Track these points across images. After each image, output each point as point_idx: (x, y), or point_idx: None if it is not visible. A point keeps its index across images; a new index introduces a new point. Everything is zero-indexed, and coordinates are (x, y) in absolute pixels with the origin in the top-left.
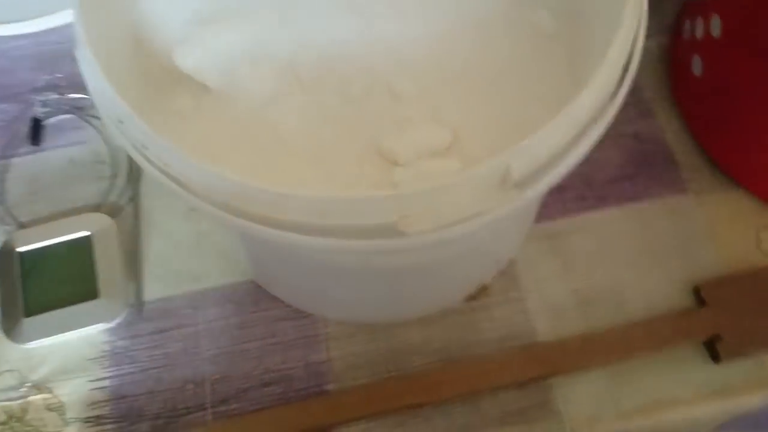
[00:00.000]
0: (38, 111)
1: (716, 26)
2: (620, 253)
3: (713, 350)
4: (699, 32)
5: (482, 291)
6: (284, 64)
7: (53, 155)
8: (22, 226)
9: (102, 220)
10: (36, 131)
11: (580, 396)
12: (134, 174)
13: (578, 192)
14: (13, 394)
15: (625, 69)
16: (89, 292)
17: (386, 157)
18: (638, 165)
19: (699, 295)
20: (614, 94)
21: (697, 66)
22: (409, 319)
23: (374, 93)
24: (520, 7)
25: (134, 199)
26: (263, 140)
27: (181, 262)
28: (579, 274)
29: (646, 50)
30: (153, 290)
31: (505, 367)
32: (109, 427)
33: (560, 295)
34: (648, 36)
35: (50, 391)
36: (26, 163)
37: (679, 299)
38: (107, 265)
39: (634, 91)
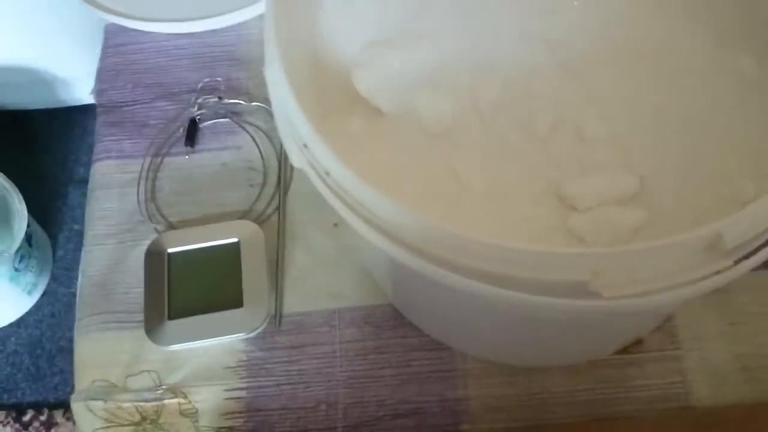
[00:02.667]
0: (195, 112)
1: None
2: None
3: None
4: None
5: (636, 345)
6: (464, 93)
7: (206, 158)
8: (171, 226)
9: (250, 228)
10: (192, 132)
11: None
12: (283, 184)
13: None
14: (148, 395)
15: None
16: (234, 300)
17: (565, 200)
18: None
19: None
20: None
21: None
22: (553, 366)
23: (559, 132)
24: (723, 52)
25: (281, 209)
26: (436, 171)
27: (322, 277)
28: (744, 336)
29: None
30: (292, 303)
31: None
32: None
33: (722, 358)
34: None
35: (185, 396)
36: (180, 163)
37: None
38: (253, 274)
39: None
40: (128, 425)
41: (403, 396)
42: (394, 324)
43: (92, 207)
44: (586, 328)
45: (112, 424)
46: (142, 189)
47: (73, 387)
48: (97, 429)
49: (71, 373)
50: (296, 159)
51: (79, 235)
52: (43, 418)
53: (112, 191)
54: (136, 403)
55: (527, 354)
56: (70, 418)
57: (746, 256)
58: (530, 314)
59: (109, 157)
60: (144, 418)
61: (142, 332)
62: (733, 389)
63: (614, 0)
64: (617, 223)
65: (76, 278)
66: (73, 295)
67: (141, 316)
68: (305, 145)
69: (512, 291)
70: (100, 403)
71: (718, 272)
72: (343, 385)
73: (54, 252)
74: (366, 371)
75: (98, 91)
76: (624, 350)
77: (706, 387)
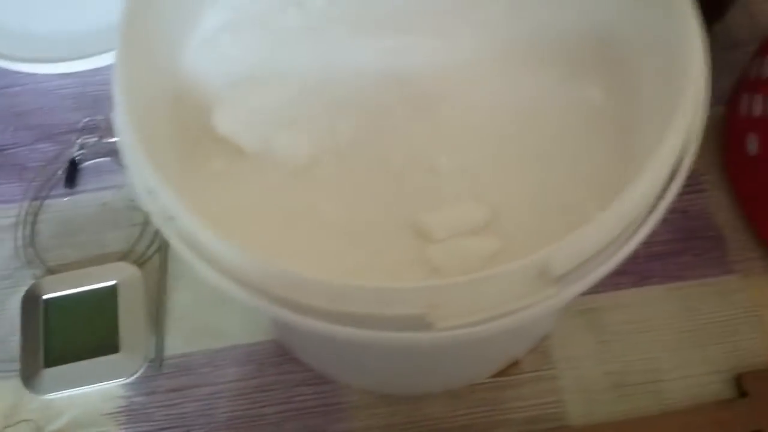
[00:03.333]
0: (76, 153)
1: None
2: (660, 334)
3: None
4: (757, 110)
5: (513, 367)
6: (322, 131)
7: (87, 198)
8: (50, 270)
9: (128, 270)
10: (72, 173)
11: None
12: None
13: (619, 267)
14: None
15: (680, 160)
16: (110, 346)
17: (421, 233)
18: (685, 242)
19: (741, 385)
20: (666, 186)
21: (752, 144)
22: (434, 392)
23: (413, 166)
24: (570, 82)
25: (162, 249)
26: (296, 209)
27: (205, 317)
28: (615, 354)
29: None
30: (174, 345)
31: None
32: None
33: (594, 376)
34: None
35: None
36: (60, 205)
37: (720, 388)
38: (130, 317)
39: None
40: None
41: None
42: (277, 360)
43: None
44: (458, 356)
45: None
46: (20, 234)
47: None
48: None
49: None
50: (145, 204)
51: None
52: None
53: None
54: None
55: (407, 383)
56: None
57: (573, 282)
58: (388, 348)
59: None
60: None
61: (20, 381)
62: (605, 407)
63: (463, 36)
64: (471, 252)
65: None
66: None
67: (18, 365)
68: (150, 191)
69: (355, 328)
70: None
71: (546, 299)
72: (225, 427)
73: None
74: (248, 410)
75: None
76: (502, 373)
77: (580, 405)
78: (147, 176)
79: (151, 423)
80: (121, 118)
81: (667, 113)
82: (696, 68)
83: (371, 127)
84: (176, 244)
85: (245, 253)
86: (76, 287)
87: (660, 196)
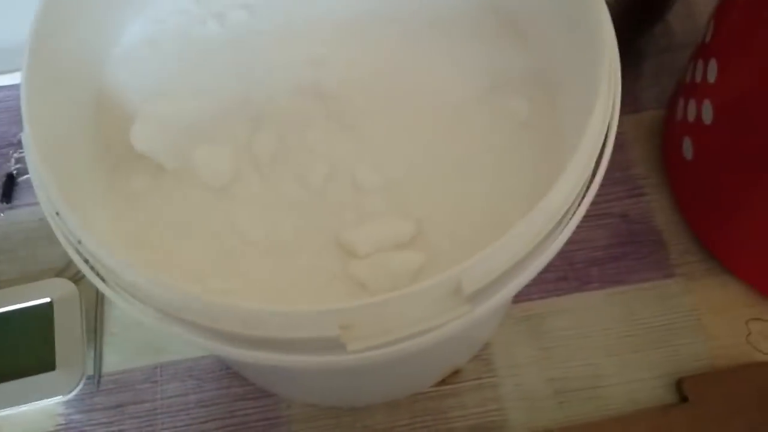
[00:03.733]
0: (13, 167)
1: (708, 112)
2: (601, 340)
3: None
4: (691, 115)
5: (454, 375)
6: (243, 146)
7: (24, 214)
8: None
9: (65, 286)
10: (9, 188)
11: None
12: None
13: (560, 272)
14: None
15: (593, 174)
16: (47, 363)
17: (345, 249)
18: (624, 246)
19: (681, 389)
20: (580, 199)
21: (688, 149)
22: (377, 403)
23: (335, 182)
24: (495, 94)
25: None
26: (217, 227)
27: (143, 333)
28: (556, 360)
29: (639, 122)
30: (113, 362)
31: None
32: None
33: (536, 383)
34: (643, 108)
35: None
36: None
37: (662, 393)
38: (67, 334)
39: (625, 167)
40: None
41: None
42: (218, 375)
43: None
44: (391, 371)
45: None
46: None
47: None
48: None
49: None
50: (54, 227)
51: None
52: None
53: None
54: None
55: (346, 397)
56: None
57: (487, 298)
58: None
59: None
60: None
61: None
62: (547, 414)
63: (384, 50)
64: (396, 267)
65: None
66: None
67: None
68: (57, 213)
69: (271, 352)
70: None
71: (460, 317)
72: None
73: None
74: (188, 426)
75: None
76: (443, 381)
77: (521, 413)
78: (53, 198)
79: None
80: (26, 138)
81: (584, 117)
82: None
83: (293, 142)
84: (83, 269)
85: (151, 278)
86: (10, 305)
87: (574, 209)
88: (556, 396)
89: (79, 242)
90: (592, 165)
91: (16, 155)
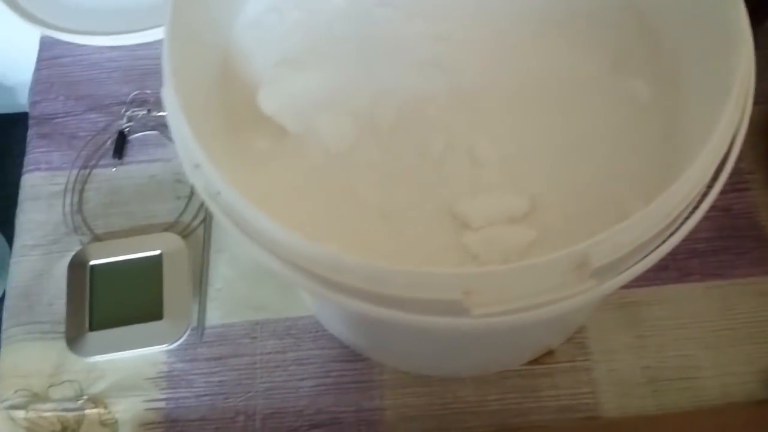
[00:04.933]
0: (125, 125)
1: None
2: (698, 332)
3: None
4: None
5: (547, 356)
6: (364, 115)
7: (134, 170)
8: (96, 238)
9: (174, 240)
10: (120, 145)
11: None
12: None
13: (661, 261)
14: (70, 405)
15: (725, 159)
16: (154, 313)
17: (459, 220)
18: (726, 240)
19: None
20: (710, 185)
21: None
22: (467, 376)
23: (453, 154)
24: (616, 77)
25: (206, 222)
26: (335, 191)
27: (245, 290)
28: (652, 349)
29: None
30: (215, 316)
31: None
32: None
33: (630, 370)
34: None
35: (106, 407)
36: (107, 175)
37: (755, 387)
38: (174, 286)
39: None
40: None
41: (321, 406)
42: (315, 336)
43: (20, 219)
44: (492, 342)
45: None
46: (68, 201)
47: None
48: None
49: None
50: (191, 179)
51: None
52: None
53: (39, 203)
54: (57, 413)
55: (440, 365)
56: None
57: (612, 276)
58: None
59: (38, 169)
60: (65, 428)
61: (65, 343)
62: (639, 401)
63: (507, 26)
64: (508, 242)
65: None
66: None
67: (64, 328)
68: (197, 166)
69: (391, 309)
70: (21, 413)
71: (584, 291)
72: (262, 396)
73: None
74: (285, 382)
75: (31, 104)
76: (535, 361)
77: (614, 398)
78: (193, 152)
79: (191, 389)
80: (169, 93)
81: (715, 106)
82: (744, 59)
83: (413, 113)
84: (220, 218)
85: (287, 232)
86: (123, 255)
87: (705, 193)
88: (649, 384)
89: (218, 194)
90: (725, 149)
91: (128, 113)
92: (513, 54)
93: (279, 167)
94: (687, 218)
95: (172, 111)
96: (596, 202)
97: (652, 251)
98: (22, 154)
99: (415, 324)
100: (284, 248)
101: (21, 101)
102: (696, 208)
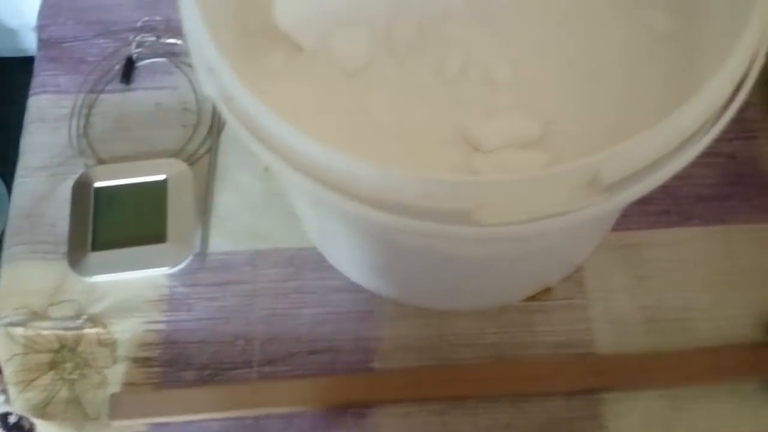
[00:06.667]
0: (133, 51)
1: None
2: (697, 275)
3: None
4: None
5: (544, 293)
6: (380, 33)
7: (142, 96)
8: (101, 162)
9: (179, 167)
10: (128, 70)
11: (631, 415)
12: (216, 126)
13: (663, 205)
14: (69, 324)
15: (740, 84)
16: (157, 236)
17: (470, 142)
18: (731, 186)
19: None
20: (723, 109)
21: None
22: (465, 310)
23: (469, 75)
24: (635, 5)
25: (212, 150)
26: (349, 107)
27: (249, 219)
28: (650, 289)
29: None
30: (218, 243)
31: (558, 373)
32: (156, 370)
33: (627, 309)
34: None
35: (105, 327)
36: (114, 100)
37: (752, 332)
38: (178, 211)
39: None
40: (47, 352)
41: (320, 334)
42: (316, 267)
43: (26, 140)
44: (492, 271)
45: (31, 350)
46: (74, 124)
47: None
48: (15, 355)
49: None
50: (206, 86)
51: None
52: None
53: (45, 125)
54: (55, 331)
55: (439, 298)
56: None
57: (623, 190)
58: (429, 245)
59: (45, 92)
60: (63, 346)
61: (66, 263)
62: (634, 339)
63: None
64: (520, 165)
65: None
66: None
67: (66, 248)
68: (212, 70)
69: (403, 217)
70: (19, 330)
71: (596, 204)
72: (262, 322)
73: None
74: (285, 309)
75: (40, 27)
76: (533, 297)
77: (609, 335)
78: (209, 55)
79: (192, 312)
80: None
81: (733, 37)
82: None
83: (432, 32)
84: (234, 123)
85: (299, 133)
86: (128, 178)
87: (718, 116)
88: (646, 323)
89: (232, 100)
90: (742, 73)
91: (137, 39)
92: None
93: (293, 84)
94: (700, 139)
95: (188, 16)
96: (611, 130)
97: (663, 167)
98: (23, 99)
99: (424, 231)
100: (296, 152)
101: (23, 46)
102: (710, 128)
